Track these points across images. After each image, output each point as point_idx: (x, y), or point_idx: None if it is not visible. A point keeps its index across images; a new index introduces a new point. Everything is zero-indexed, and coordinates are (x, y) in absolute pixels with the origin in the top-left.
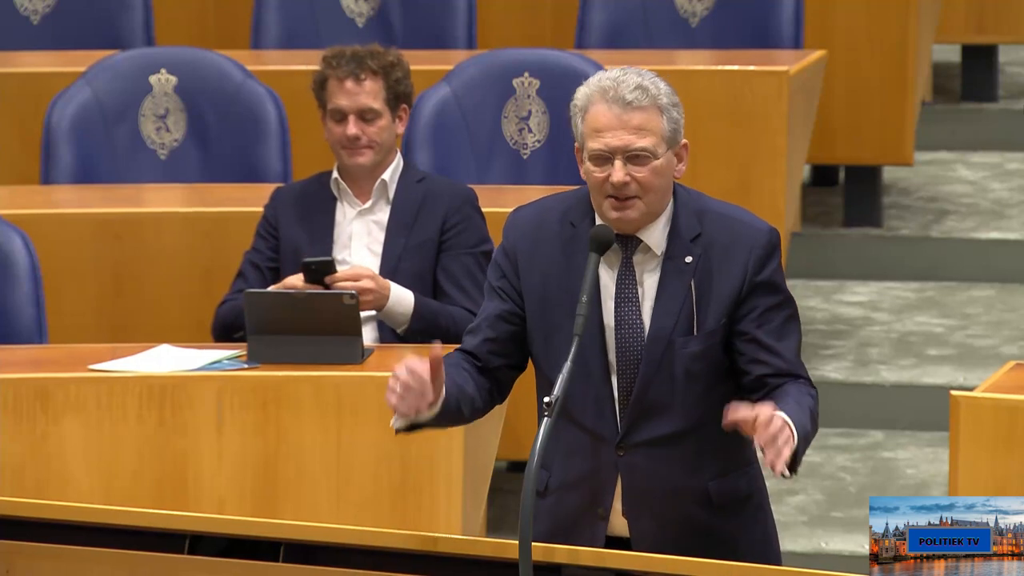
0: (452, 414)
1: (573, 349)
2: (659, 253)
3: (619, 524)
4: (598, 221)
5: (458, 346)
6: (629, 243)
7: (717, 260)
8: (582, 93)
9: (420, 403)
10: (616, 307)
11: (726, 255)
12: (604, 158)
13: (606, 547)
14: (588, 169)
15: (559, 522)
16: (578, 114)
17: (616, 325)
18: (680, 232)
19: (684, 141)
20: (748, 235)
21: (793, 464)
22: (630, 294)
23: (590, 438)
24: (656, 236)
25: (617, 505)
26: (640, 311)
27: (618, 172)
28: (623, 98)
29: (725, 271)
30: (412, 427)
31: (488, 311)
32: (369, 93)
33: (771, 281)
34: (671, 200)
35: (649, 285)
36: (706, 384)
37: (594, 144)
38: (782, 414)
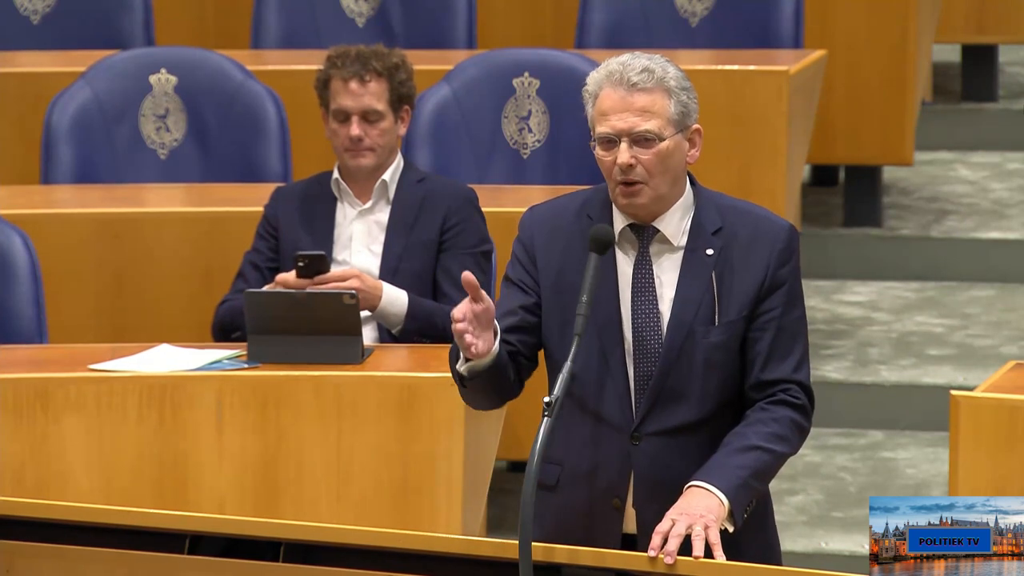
0: (503, 367)
1: (573, 349)
2: (677, 244)
3: (630, 519)
4: (616, 214)
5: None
6: (645, 233)
7: (739, 254)
8: (592, 78)
9: (489, 334)
10: (633, 297)
11: (748, 249)
12: (610, 141)
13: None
14: (598, 155)
15: (573, 515)
16: (589, 100)
17: (633, 314)
18: (702, 225)
19: (696, 126)
20: (771, 231)
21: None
22: (647, 284)
23: (604, 427)
24: (673, 226)
25: (629, 497)
26: (658, 301)
27: (623, 154)
28: (628, 80)
29: (747, 265)
30: (472, 376)
31: (508, 304)
32: (373, 94)
33: (788, 282)
34: (690, 191)
35: (669, 276)
36: (723, 375)
37: (601, 127)
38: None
